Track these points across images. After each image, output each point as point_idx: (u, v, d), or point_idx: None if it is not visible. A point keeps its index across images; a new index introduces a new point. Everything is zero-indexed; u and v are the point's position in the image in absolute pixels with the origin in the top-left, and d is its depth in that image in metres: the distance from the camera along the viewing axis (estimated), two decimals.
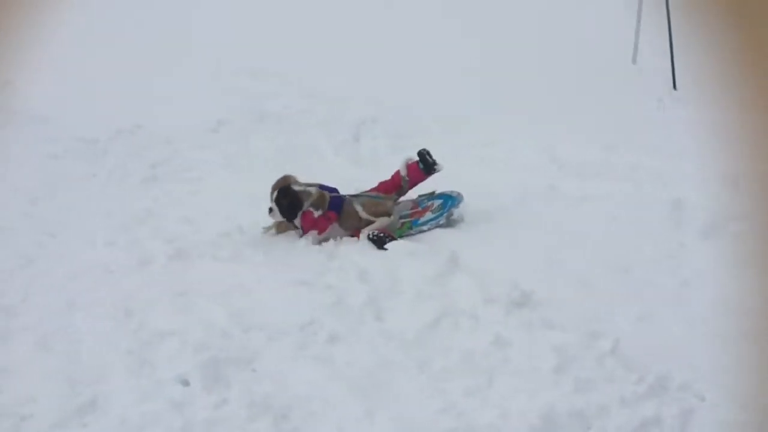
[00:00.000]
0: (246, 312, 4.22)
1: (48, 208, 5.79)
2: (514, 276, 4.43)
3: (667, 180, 6.02)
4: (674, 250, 4.94)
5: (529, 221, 5.39)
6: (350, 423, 3.40)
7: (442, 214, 5.40)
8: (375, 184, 5.54)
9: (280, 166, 6.24)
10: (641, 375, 3.63)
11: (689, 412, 3.45)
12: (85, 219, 5.60)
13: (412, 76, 8.82)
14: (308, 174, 5.65)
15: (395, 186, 5.49)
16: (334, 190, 5.35)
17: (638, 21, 9.09)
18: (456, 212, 5.44)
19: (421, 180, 5.53)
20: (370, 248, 5.03)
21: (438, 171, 5.50)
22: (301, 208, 5.14)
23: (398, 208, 5.40)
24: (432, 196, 5.49)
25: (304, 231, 5.21)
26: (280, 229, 5.31)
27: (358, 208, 5.26)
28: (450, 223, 5.43)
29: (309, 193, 5.17)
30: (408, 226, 5.36)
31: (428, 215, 5.40)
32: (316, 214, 5.14)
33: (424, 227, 5.36)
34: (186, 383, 3.62)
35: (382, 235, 5.09)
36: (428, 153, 5.52)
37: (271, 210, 5.16)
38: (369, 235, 5.10)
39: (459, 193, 5.47)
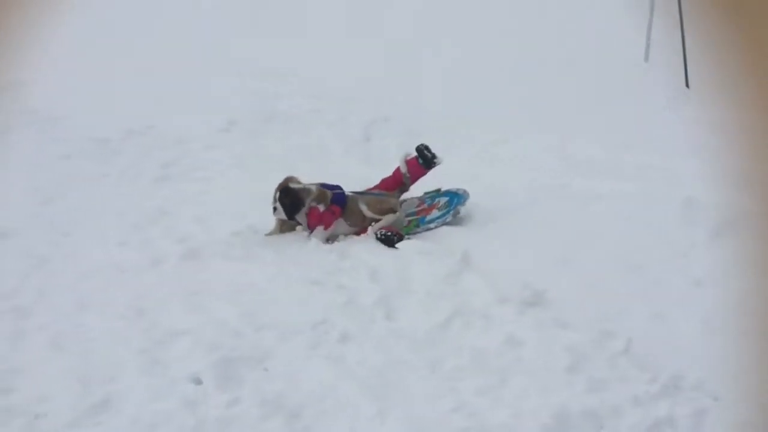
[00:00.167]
0: (257, 311, 4.23)
1: (60, 208, 5.83)
2: (525, 275, 4.42)
3: (678, 179, 6.00)
4: (686, 249, 4.91)
5: (541, 220, 5.37)
6: (362, 422, 3.39)
7: (448, 212, 5.39)
8: (377, 182, 5.55)
9: (291, 166, 6.25)
10: (654, 374, 3.61)
11: (702, 411, 3.43)
12: (98, 219, 5.63)
13: (422, 76, 8.83)
14: (319, 174, 5.66)
15: (397, 183, 5.50)
16: (337, 187, 5.37)
17: (650, 18, 9.05)
18: (462, 210, 5.43)
19: (422, 174, 5.53)
20: (381, 248, 5.04)
21: (438, 164, 5.51)
22: (302, 204, 5.17)
23: (405, 205, 5.41)
24: (438, 193, 5.49)
25: (311, 227, 5.23)
26: (282, 229, 5.32)
27: (363, 208, 5.27)
28: (460, 222, 5.42)
29: (309, 191, 5.22)
30: (415, 223, 5.37)
31: (435, 213, 5.40)
32: (321, 208, 5.17)
33: (431, 225, 5.37)
34: (198, 382, 3.63)
35: (389, 234, 5.09)
36: (426, 147, 5.51)
37: (275, 209, 5.20)
38: (377, 234, 5.10)
39: (465, 191, 5.46)
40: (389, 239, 5.06)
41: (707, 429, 3.37)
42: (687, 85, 8.30)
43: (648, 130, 7.08)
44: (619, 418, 3.39)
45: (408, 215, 5.39)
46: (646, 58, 9.17)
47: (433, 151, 5.51)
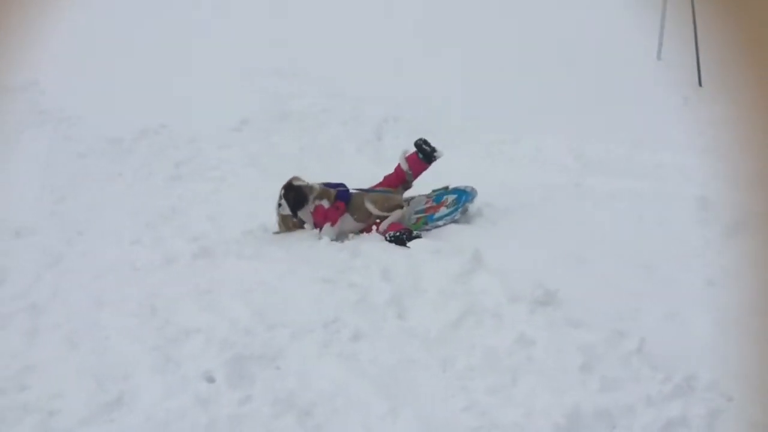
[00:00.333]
0: (270, 309, 4.24)
1: (75, 207, 5.88)
2: (538, 274, 4.40)
3: (691, 178, 5.97)
4: (700, 248, 4.88)
5: (554, 219, 5.36)
6: (373, 420, 3.40)
7: (456, 209, 5.38)
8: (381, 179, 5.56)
9: (303, 165, 6.29)
10: (667, 374, 3.59)
11: (716, 412, 3.40)
12: (111, 217, 5.67)
13: (434, 74, 8.83)
14: (331, 172, 5.67)
15: (400, 180, 5.50)
16: (341, 185, 5.38)
17: (663, 16, 9.01)
18: (471, 207, 5.43)
19: (424, 169, 5.53)
20: (393, 246, 5.04)
21: (438, 158, 5.50)
22: (306, 200, 5.23)
23: (413, 203, 5.41)
24: (446, 191, 5.48)
25: (317, 225, 5.26)
26: (288, 226, 5.34)
27: (370, 207, 5.28)
28: (471, 221, 5.41)
29: (312, 188, 5.28)
30: (423, 221, 5.36)
31: (443, 210, 5.39)
32: (326, 205, 5.22)
33: (440, 222, 5.36)
34: (211, 380, 3.64)
35: (398, 234, 5.09)
36: (425, 141, 5.51)
37: (280, 205, 5.27)
38: (387, 237, 5.11)
39: (473, 188, 5.45)
40: (399, 239, 5.07)
41: (721, 429, 3.34)
42: (700, 84, 8.26)
43: (661, 129, 7.05)
44: (632, 418, 3.37)
45: (417, 213, 5.39)
46: (659, 57, 9.13)
47: (432, 144, 5.49)
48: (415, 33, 10.27)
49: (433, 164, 5.55)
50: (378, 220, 5.28)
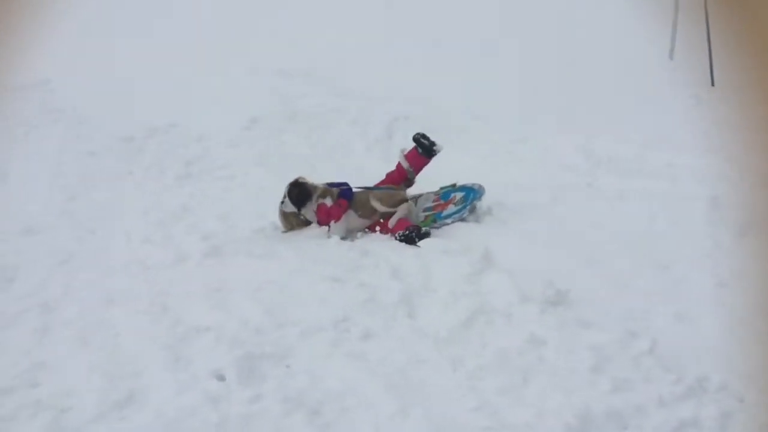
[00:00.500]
0: (279, 308, 4.24)
1: (86, 205, 5.90)
2: (549, 274, 4.38)
3: (703, 178, 5.92)
4: (711, 248, 4.85)
5: (565, 219, 5.34)
6: (384, 420, 3.39)
7: (464, 207, 5.37)
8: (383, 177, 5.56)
9: (313, 164, 6.29)
10: (679, 375, 3.57)
11: (728, 413, 3.38)
12: (122, 216, 5.69)
13: (444, 74, 8.81)
14: (341, 172, 5.67)
15: (402, 178, 5.50)
16: (344, 184, 5.40)
17: (675, 15, 8.96)
18: (480, 205, 5.41)
19: (425, 164, 5.51)
20: (403, 245, 5.03)
21: (438, 151, 5.48)
22: (309, 196, 5.27)
23: (421, 200, 5.40)
24: (454, 188, 5.46)
25: (321, 223, 5.30)
26: (290, 225, 5.35)
27: (375, 204, 5.28)
28: (482, 219, 5.40)
29: (315, 186, 5.32)
30: (432, 219, 5.36)
31: (451, 208, 5.37)
32: (329, 204, 5.23)
33: (448, 220, 5.35)
34: (221, 378, 3.65)
35: (407, 232, 5.08)
36: (423, 135, 5.49)
37: (282, 202, 5.31)
38: (396, 237, 5.11)
39: (480, 186, 5.43)
40: (409, 238, 5.06)
41: (732, 431, 3.32)
42: (712, 84, 8.20)
43: (673, 129, 7.01)
44: (643, 419, 3.36)
45: (425, 210, 5.39)
46: (671, 56, 9.08)
47: (431, 138, 5.47)
48: (424, 32, 10.25)
49: (442, 163, 5.54)
50: (383, 219, 5.27)
